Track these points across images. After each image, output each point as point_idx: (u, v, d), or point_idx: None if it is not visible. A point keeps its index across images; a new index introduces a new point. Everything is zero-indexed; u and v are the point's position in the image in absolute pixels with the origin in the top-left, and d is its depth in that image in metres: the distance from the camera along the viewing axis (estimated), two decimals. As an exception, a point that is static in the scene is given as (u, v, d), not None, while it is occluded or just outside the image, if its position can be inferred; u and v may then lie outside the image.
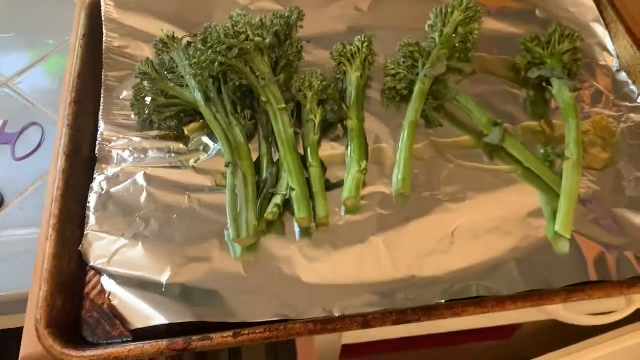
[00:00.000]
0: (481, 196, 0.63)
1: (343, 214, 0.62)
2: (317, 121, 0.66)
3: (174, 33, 0.70)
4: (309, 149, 0.64)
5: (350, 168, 0.63)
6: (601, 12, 0.81)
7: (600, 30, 0.79)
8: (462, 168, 0.65)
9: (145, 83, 0.68)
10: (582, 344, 0.80)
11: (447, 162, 0.66)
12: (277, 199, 0.61)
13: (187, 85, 0.67)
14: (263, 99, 0.65)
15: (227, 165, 0.62)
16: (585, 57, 0.76)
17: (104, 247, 0.58)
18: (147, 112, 0.67)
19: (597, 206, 0.63)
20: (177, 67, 0.68)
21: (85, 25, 0.71)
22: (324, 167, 0.64)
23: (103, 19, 0.74)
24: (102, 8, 0.74)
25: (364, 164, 0.63)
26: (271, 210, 0.60)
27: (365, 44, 0.71)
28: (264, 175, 0.63)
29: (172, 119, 0.67)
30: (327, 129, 0.68)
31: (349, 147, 0.65)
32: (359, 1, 0.82)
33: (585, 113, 0.71)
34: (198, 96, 0.65)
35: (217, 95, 0.66)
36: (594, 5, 0.81)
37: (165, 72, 0.68)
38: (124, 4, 0.76)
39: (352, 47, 0.70)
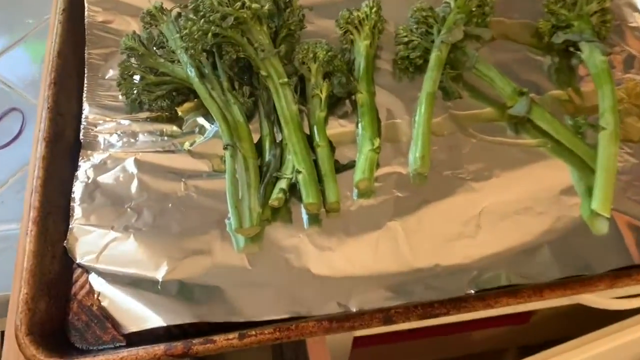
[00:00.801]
0: (508, 173, 0.57)
1: (356, 197, 0.56)
2: (323, 96, 0.59)
3: (162, 4, 0.63)
4: (315, 127, 0.58)
5: (362, 147, 0.57)
6: (631, -30, 0.74)
7: (630, -12, 0.73)
8: (486, 143, 0.59)
9: (133, 60, 0.61)
10: (605, 330, 0.74)
11: (469, 137, 0.60)
12: (282, 183, 0.55)
13: (178, 61, 0.60)
14: (263, 73, 0.59)
15: (225, 148, 0.56)
16: (614, 18, 0.69)
17: (91, 241, 0.53)
18: (135, 91, 0.61)
19: (638, 180, 0.57)
20: (167, 41, 0.62)
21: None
22: (332, 147, 0.58)
23: (84, -10, 0.67)
24: (83, -21, 0.68)
25: (377, 142, 0.57)
26: (276, 196, 0.54)
27: (374, 9, 0.64)
28: (267, 157, 0.57)
29: (163, 99, 0.61)
30: (334, 105, 0.62)
31: (360, 124, 0.59)
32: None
33: (617, 80, 0.64)
34: (191, 72, 0.59)
35: (212, 70, 0.60)
36: (622, -38, 0.74)
37: (155, 48, 0.62)
38: (107, -26, 0.69)
39: (360, 13, 0.64)
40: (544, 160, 0.58)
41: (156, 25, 0.63)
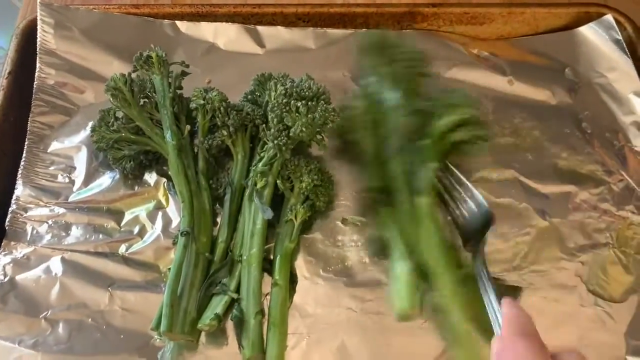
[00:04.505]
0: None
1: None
2: (297, 223, 0.53)
3: (165, 54, 0.56)
4: (278, 259, 0.51)
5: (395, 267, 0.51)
6: (644, 84, 0.67)
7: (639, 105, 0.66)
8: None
9: (116, 102, 0.55)
10: None
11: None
12: (219, 306, 0.50)
13: (158, 122, 0.55)
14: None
15: (182, 234, 0.51)
16: (617, 139, 0.63)
17: (-6, 357, 0.47)
18: (105, 145, 0.56)
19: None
20: (153, 94, 0.56)
21: (14, 60, 0.58)
22: (294, 281, 0.52)
23: (38, 49, 0.61)
24: (38, 36, 0.61)
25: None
26: (208, 322, 0.49)
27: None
28: (216, 257, 0.52)
29: (129, 159, 0.56)
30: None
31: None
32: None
33: (608, 215, 0.58)
34: (170, 139, 0.54)
35: (190, 145, 0.55)
36: (636, 75, 0.67)
37: (140, 96, 0.56)
38: (67, 32, 0.63)
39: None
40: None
41: (148, 72, 0.56)
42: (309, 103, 0.51)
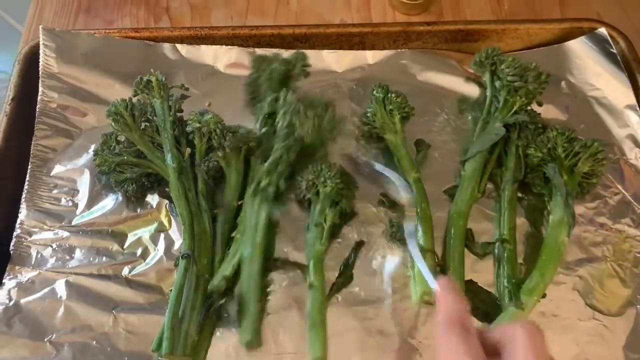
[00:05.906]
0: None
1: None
2: (326, 226, 0.55)
3: (164, 78, 0.58)
4: (312, 262, 0.53)
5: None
6: (638, 98, 0.67)
7: (634, 119, 0.66)
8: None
9: (117, 126, 0.57)
10: None
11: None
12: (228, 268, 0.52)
13: (159, 145, 0.57)
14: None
15: (183, 257, 0.52)
16: (613, 152, 0.64)
17: (-1, 382, 0.48)
18: (107, 168, 0.57)
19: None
20: (153, 117, 0.57)
21: (17, 86, 0.59)
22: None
23: (40, 73, 0.62)
24: (41, 60, 0.62)
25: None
26: (217, 284, 0.51)
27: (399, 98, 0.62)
28: (216, 274, 0.53)
29: (131, 182, 0.57)
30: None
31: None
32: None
33: (604, 229, 0.59)
34: (170, 162, 0.55)
35: (191, 167, 0.56)
36: (630, 89, 0.67)
37: (141, 120, 0.58)
38: (69, 56, 0.64)
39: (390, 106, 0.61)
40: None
41: (148, 96, 0.58)
42: (317, 111, 0.56)
